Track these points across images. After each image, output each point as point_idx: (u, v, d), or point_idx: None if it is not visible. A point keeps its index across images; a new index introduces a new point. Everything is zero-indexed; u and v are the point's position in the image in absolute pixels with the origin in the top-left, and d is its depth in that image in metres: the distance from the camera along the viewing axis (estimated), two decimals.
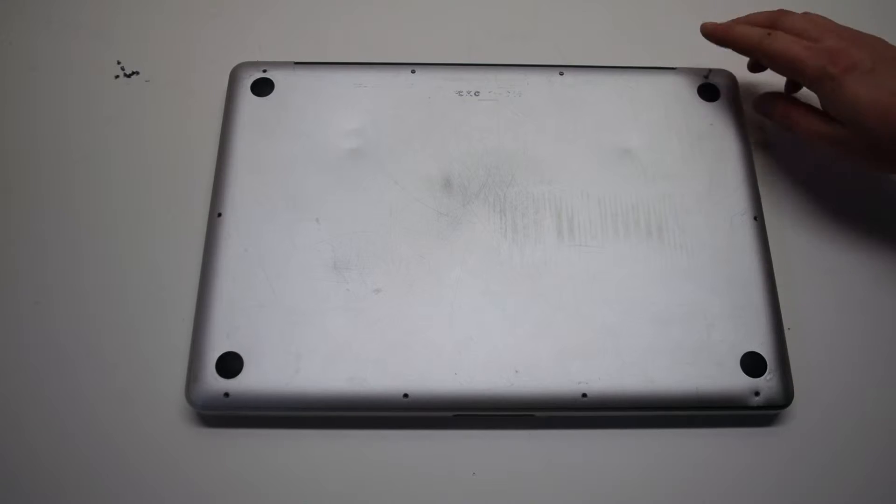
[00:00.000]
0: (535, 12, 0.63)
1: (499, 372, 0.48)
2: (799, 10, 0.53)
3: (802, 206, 0.56)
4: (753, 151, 0.56)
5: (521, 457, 0.49)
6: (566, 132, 0.55)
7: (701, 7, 0.60)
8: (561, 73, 0.57)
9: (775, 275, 0.52)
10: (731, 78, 0.58)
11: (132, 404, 0.49)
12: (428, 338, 0.49)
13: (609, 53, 0.60)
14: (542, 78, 0.57)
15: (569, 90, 0.57)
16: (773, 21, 0.53)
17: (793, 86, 0.57)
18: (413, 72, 0.57)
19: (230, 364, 0.48)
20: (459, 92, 0.56)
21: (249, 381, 0.48)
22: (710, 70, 0.57)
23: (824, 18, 0.53)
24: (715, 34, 0.54)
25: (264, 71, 0.56)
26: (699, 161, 0.55)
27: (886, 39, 0.51)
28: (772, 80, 0.56)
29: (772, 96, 0.56)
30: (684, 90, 0.57)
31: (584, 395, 0.48)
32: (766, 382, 0.49)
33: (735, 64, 0.57)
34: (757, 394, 0.48)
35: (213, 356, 0.48)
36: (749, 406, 0.48)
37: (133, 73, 0.60)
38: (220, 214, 0.52)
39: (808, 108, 0.53)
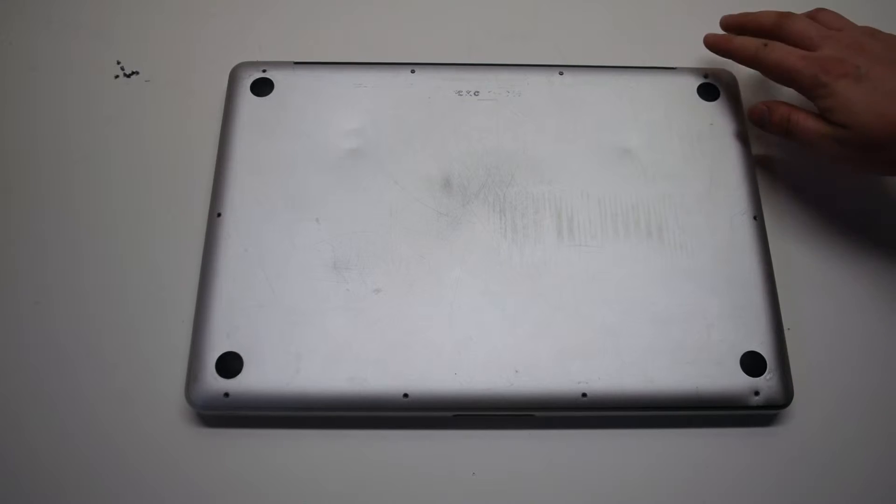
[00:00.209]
0: (535, 12, 0.63)
1: (498, 372, 0.48)
2: (803, 9, 0.53)
3: (802, 206, 0.56)
4: (753, 151, 0.56)
5: (521, 457, 0.49)
6: (566, 132, 0.55)
7: (701, 7, 0.60)
8: (561, 73, 0.57)
9: (775, 275, 0.52)
10: (731, 78, 0.58)
11: (132, 404, 0.49)
12: (428, 338, 0.49)
13: (609, 53, 0.60)
14: (541, 78, 0.57)
15: (569, 90, 0.56)
16: (778, 24, 0.54)
17: None
18: (413, 72, 0.57)
19: (230, 364, 0.48)
20: (459, 92, 0.56)
21: (249, 381, 0.48)
22: (710, 70, 0.58)
23: (835, 16, 0.53)
24: (717, 45, 0.56)
25: (264, 71, 0.56)
26: (699, 161, 0.55)
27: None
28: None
29: (767, 104, 0.55)
30: (684, 90, 0.57)
31: (584, 395, 0.48)
32: (766, 382, 0.49)
33: (735, 64, 0.56)
34: (757, 393, 0.48)
35: (212, 356, 0.48)
36: (749, 406, 0.48)
37: (133, 73, 0.60)
38: (219, 214, 0.52)
39: (807, 110, 0.53)
